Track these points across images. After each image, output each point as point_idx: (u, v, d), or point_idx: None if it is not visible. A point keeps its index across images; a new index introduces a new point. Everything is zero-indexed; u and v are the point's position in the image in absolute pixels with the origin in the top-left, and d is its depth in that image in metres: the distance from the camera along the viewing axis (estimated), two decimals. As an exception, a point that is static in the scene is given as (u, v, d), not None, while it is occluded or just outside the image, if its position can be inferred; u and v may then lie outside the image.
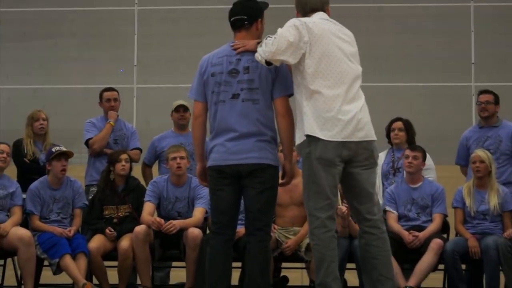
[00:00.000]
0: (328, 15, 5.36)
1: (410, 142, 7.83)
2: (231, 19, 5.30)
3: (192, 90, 5.31)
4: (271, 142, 5.19)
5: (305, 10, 5.35)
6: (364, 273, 5.44)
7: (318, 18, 5.26)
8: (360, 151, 5.14)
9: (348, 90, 5.15)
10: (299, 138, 5.21)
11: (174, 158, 7.28)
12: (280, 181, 5.36)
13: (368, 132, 5.17)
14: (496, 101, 7.83)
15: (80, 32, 12.03)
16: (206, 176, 5.38)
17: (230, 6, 5.38)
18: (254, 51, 5.15)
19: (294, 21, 5.16)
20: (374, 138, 5.24)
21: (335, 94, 5.11)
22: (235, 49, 5.18)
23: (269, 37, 5.13)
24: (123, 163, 7.53)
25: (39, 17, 12.07)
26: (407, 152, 7.45)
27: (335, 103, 5.10)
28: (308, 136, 5.08)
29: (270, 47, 5.05)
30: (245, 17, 5.27)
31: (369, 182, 5.22)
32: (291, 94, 5.19)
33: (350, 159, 5.13)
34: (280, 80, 5.17)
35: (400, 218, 7.40)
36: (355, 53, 5.30)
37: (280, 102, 5.16)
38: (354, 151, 5.13)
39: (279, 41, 5.05)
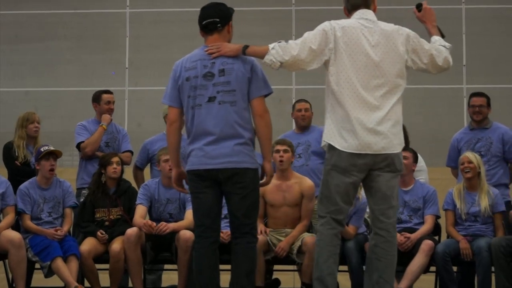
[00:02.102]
0: (374, 10, 5.41)
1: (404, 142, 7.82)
2: (204, 22, 5.29)
3: (166, 96, 5.32)
4: (249, 145, 5.21)
5: (354, 7, 5.40)
6: (366, 272, 5.52)
7: (354, 20, 5.31)
8: (378, 160, 5.24)
9: (369, 101, 5.22)
10: (323, 141, 5.36)
11: (166, 161, 7.27)
12: (261, 181, 5.37)
13: (387, 144, 5.23)
14: (489, 103, 7.87)
15: (72, 35, 12.08)
16: (181, 182, 5.45)
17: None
18: (230, 56, 5.18)
19: (324, 26, 5.24)
20: (395, 150, 5.29)
21: (356, 104, 5.20)
22: (210, 54, 5.19)
23: (280, 42, 5.19)
24: (115, 166, 7.52)
25: (31, 19, 12.10)
26: None
27: (355, 113, 5.19)
28: (328, 145, 5.25)
29: (291, 51, 5.12)
30: (218, 19, 5.27)
31: (387, 185, 5.28)
32: (267, 94, 5.25)
33: (371, 167, 5.24)
34: (256, 80, 5.20)
35: None
36: (383, 60, 5.27)
37: (257, 102, 5.19)
38: (373, 161, 5.23)
39: (302, 46, 5.15)
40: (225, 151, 5.13)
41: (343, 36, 5.22)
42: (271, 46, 5.19)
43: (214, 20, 5.25)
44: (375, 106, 5.22)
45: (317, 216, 5.58)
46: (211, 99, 5.14)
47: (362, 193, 7.36)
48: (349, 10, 5.43)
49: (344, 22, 5.30)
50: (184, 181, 5.47)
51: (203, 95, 5.16)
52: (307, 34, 5.21)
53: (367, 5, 5.39)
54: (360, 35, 5.27)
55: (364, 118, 5.19)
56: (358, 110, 5.20)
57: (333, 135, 5.23)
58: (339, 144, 5.19)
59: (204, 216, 5.23)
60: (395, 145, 5.27)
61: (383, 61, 5.27)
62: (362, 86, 5.22)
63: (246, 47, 5.20)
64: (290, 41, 5.21)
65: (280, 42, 5.21)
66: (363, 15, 5.36)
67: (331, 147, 5.24)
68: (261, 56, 5.21)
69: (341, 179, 5.22)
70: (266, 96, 5.24)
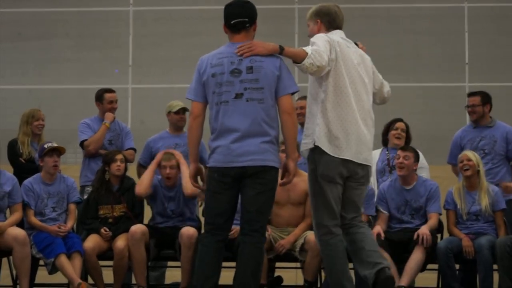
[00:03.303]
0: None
1: (406, 143, 7.86)
2: (232, 22, 5.28)
3: (190, 91, 5.29)
4: (273, 143, 5.21)
5: (331, 25, 5.56)
6: (354, 262, 5.60)
7: (340, 38, 5.47)
8: (357, 170, 5.47)
9: (361, 115, 5.44)
10: (306, 144, 5.45)
11: (165, 167, 7.38)
12: (280, 180, 5.39)
13: (368, 157, 5.53)
14: (484, 101, 7.86)
15: (75, 33, 12.14)
16: (197, 178, 5.46)
17: (223, 7, 5.37)
18: (263, 55, 5.19)
19: (326, 37, 5.37)
20: (371, 164, 5.66)
21: (350, 116, 5.39)
22: (241, 54, 5.18)
23: (311, 45, 5.29)
24: (119, 163, 7.55)
25: (34, 17, 12.15)
26: (399, 152, 7.46)
27: (348, 125, 5.39)
28: (316, 146, 5.34)
29: (324, 57, 5.21)
30: (247, 19, 5.27)
31: (360, 197, 5.57)
32: (294, 92, 5.29)
33: (349, 176, 5.45)
34: (284, 78, 5.20)
35: (393, 220, 7.43)
36: (370, 77, 5.57)
37: (285, 100, 5.19)
38: (353, 170, 5.45)
39: (322, 56, 5.21)
40: (251, 149, 5.13)
41: (340, 51, 5.39)
42: (308, 50, 5.23)
43: (244, 20, 5.26)
44: (363, 119, 5.46)
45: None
46: (238, 96, 5.14)
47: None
48: (328, 28, 5.55)
49: (335, 37, 5.44)
50: (199, 177, 5.49)
51: (229, 92, 5.15)
52: (318, 42, 5.28)
53: (342, 28, 5.60)
54: (349, 52, 5.47)
55: (356, 129, 5.42)
56: (351, 121, 5.40)
57: (323, 140, 5.35)
58: (330, 150, 5.35)
59: (217, 216, 5.23)
60: (371, 160, 5.64)
61: (366, 79, 5.52)
62: (355, 100, 5.43)
63: (282, 48, 5.22)
64: (315, 48, 5.26)
65: (312, 45, 5.30)
66: (343, 35, 5.55)
67: (318, 152, 5.35)
68: (300, 58, 5.21)
69: (332, 186, 5.40)
70: (293, 94, 5.27)
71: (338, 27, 5.57)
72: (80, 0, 12.23)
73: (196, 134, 5.29)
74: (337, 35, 5.49)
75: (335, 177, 5.39)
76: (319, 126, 5.34)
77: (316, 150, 5.37)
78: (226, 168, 5.14)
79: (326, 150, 5.34)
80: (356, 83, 5.44)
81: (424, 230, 7.08)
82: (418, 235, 7.05)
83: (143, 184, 7.45)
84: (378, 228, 7.21)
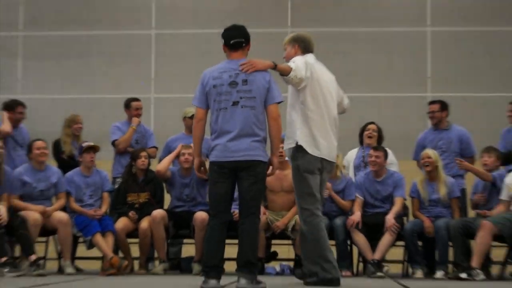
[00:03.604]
0: None
1: (379, 142, 7.91)
2: (232, 42, 5.26)
3: (195, 99, 5.27)
4: (262, 142, 5.18)
5: (306, 49, 5.67)
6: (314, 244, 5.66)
7: (313, 59, 5.62)
8: (328, 167, 5.63)
9: (330, 122, 5.58)
10: (289, 144, 5.56)
11: (183, 154, 7.43)
12: (268, 172, 5.42)
13: (334, 156, 5.69)
14: (443, 108, 7.92)
15: (107, 52, 11.94)
16: (201, 169, 5.43)
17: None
18: (262, 70, 5.23)
19: (303, 59, 5.50)
20: (335, 161, 5.79)
21: (323, 123, 5.52)
22: (246, 70, 5.15)
23: (292, 62, 5.44)
24: (143, 159, 7.60)
25: (73, 39, 11.86)
26: (371, 152, 7.53)
27: (322, 130, 5.51)
28: (299, 146, 5.45)
29: (302, 71, 5.37)
30: (243, 40, 5.28)
31: (325, 183, 5.73)
32: (280, 101, 5.26)
33: (322, 170, 5.58)
34: (272, 90, 5.18)
35: (367, 206, 7.48)
36: (336, 92, 5.72)
37: (272, 108, 5.17)
38: (325, 166, 5.59)
39: (301, 71, 5.38)
40: (243, 146, 5.09)
41: (314, 71, 5.52)
42: (292, 65, 5.37)
43: (241, 40, 5.26)
44: (331, 125, 5.61)
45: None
46: (234, 103, 5.11)
47: (345, 171, 7.68)
48: (303, 52, 5.66)
49: (310, 60, 5.56)
50: (202, 169, 5.46)
51: (228, 100, 5.12)
52: (298, 62, 5.42)
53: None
54: (321, 72, 5.63)
55: (328, 133, 5.56)
56: (325, 126, 5.54)
57: (304, 142, 5.47)
58: (311, 151, 5.47)
59: (218, 201, 5.18)
60: (335, 157, 5.76)
61: (333, 93, 5.68)
62: (326, 110, 5.57)
63: (275, 64, 5.30)
64: (297, 64, 5.42)
65: (291, 62, 5.44)
66: (314, 58, 5.67)
67: (301, 150, 5.46)
68: (287, 72, 5.33)
69: (313, 177, 5.51)
70: (279, 103, 5.24)
71: (311, 51, 5.68)
72: (111, 24, 12.03)
73: (200, 134, 5.28)
74: (311, 58, 5.60)
75: (315, 170, 5.49)
76: (300, 130, 5.45)
77: (299, 149, 5.44)
78: (223, 161, 5.12)
79: (307, 150, 5.45)
80: (326, 96, 5.55)
81: (391, 221, 7.15)
82: (387, 223, 7.13)
83: (162, 164, 7.55)
84: (358, 216, 7.27)
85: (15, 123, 7.74)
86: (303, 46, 5.69)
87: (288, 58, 5.64)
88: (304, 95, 5.48)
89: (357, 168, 7.97)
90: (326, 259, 5.44)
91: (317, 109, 5.51)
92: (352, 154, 8.09)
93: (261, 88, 5.15)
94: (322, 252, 5.43)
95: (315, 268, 5.43)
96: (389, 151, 7.75)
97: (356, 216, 7.27)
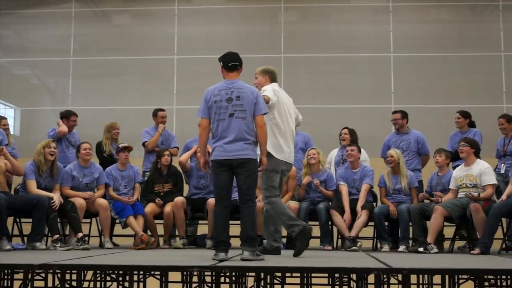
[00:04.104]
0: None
1: (353, 142, 7.82)
2: (230, 64, 5.23)
3: (200, 111, 5.24)
4: (252, 144, 5.15)
5: (273, 79, 5.91)
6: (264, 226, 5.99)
7: (278, 87, 5.86)
8: (288, 167, 5.82)
9: (289, 133, 5.79)
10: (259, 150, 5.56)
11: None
12: (258, 169, 5.36)
13: (292, 159, 5.88)
14: (403, 116, 7.90)
15: (139, 73, 12.06)
16: (206, 166, 5.36)
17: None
18: (246, 91, 5.20)
19: (272, 88, 5.73)
20: (293, 163, 5.96)
21: (285, 134, 5.73)
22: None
23: (264, 91, 5.62)
24: (166, 157, 7.55)
25: (110, 63, 12.11)
26: (347, 148, 7.56)
27: (284, 139, 5.72)
28: (269, 152, 5.53)
29: (273, 100, 5.60)
30: (238, 63, 5.24)
31: (283, 180, 5.89)
32: (265, 113, 5.24)
33: (283, 170, 5.77)
34: (259, 104, 5.16)
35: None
36: (293, 110, 5.93)
37: (259, 118, 5.16)
38: (285, 167, 5.78)
39: (273, 98, 5.62)
40: (237, 148, 5.08)
41: (279, 96, 5.73)
42: (268, 95, 5.57)
43: (236, 64, 5.23)
44: (290, 135, 5.82)
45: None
46: (231, 115, 5.10)
47: (326, 166, 7.66)
48: (271, 81, 5.88)
49: (276, 87, 5.79)
50: (207, 166, 5.42)
51: (225, 112, 5.11)
52: (269, 91, 5.63)
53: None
54: (283, 96, 5.83)
55: (288, 142, 5.75)
56: (287, 136, 5.74)
57: (272, 149, 5.58)
58: (276, 155, 5.61)
59: (221, 189, 5.13)
60: (293, 161, 5.93)
61: (291, 111, 5.85)
62: (287, 125, 5.77)
63: (269, 98, 5.59)
64: (269, 93, 5.61)
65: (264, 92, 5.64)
66: (277, 85, 5.86)
67: (270, 155, 5.50)
68: (267, 100, 5.50)
69: (276, 175, 5.66)
70: (264, 114, 5.21)
71: (276, 81, 5.92)
72: (141, 51, 12.16)
73: (204, 139, 5.23)
74: (276, 86, 5.81)
75: (278, 170, 5.66)
76: (269, 139, 5.45)
77: (268, 154, 5.41)
78: (221, 159, 5.09)
79: (274, 155, 5.59)
80: (287, 114, 5.76)
81: (359, 203, 7.17)
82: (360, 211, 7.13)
83: (183, 157, 7.61)
84: (349, 219, 7.15)
85: (69, 129, 7.92)
86: (271, 76, 5.91)
87: (259, 85, 5.84)
88: (273, 113, 5.66)
89: (337, 164, 7.90)
90: (279, 231, 5.78)
91: (281, 124, 5.70)
92: (334, 153, 8.00)
93: (250, 102, 5.13)
94: (289, 221, 5.51)
95: (275, 243, 5.81)
96: (363, 151, 7.70)
97: (347, 218, 7.17)
